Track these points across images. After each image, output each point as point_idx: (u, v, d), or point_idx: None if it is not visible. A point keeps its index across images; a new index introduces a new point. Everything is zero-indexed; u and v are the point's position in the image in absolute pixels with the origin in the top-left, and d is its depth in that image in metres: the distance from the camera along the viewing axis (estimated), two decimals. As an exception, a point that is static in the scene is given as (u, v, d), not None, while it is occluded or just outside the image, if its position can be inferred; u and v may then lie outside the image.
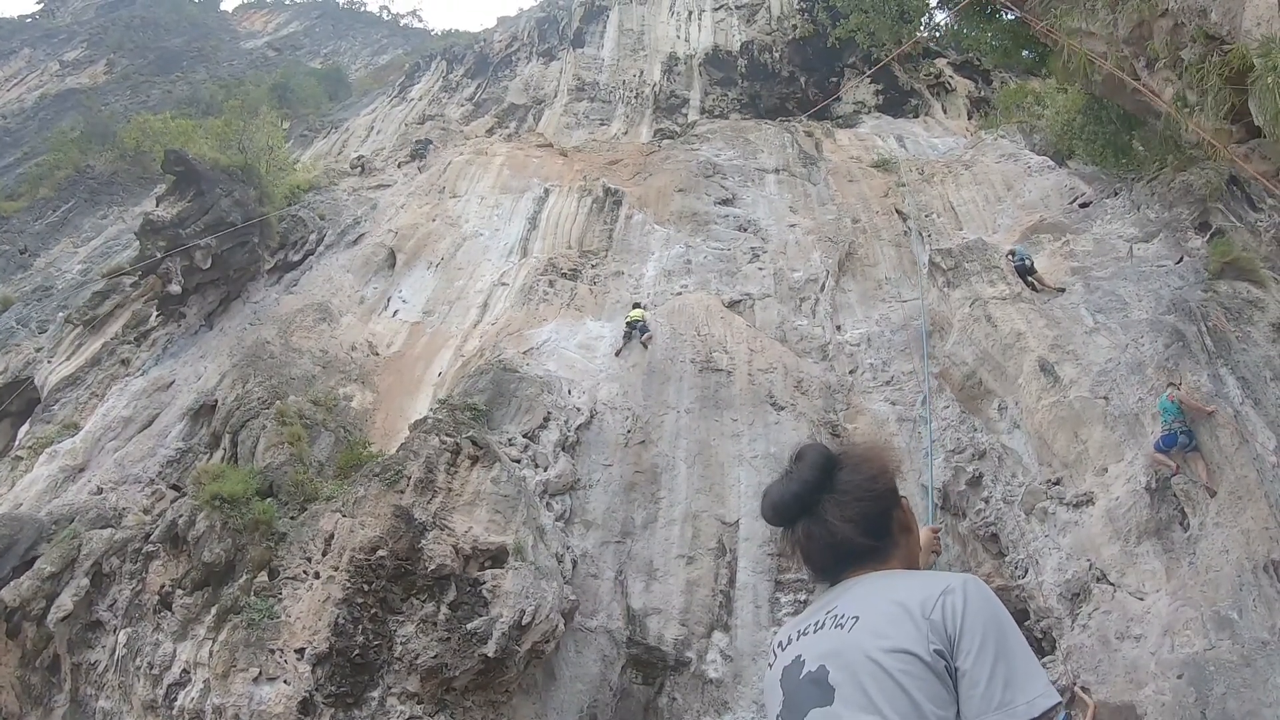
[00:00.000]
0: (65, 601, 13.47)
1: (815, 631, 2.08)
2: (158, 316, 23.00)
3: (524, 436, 16.40)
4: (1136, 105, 12.34)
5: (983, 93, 35.86)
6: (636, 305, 20.85)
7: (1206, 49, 8.32)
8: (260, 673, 11.57)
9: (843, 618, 2.03)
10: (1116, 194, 20.38)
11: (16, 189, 38.45)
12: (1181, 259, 16.44)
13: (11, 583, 13.65)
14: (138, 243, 23.30)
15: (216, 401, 19.15)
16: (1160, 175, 18.87)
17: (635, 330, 19.57)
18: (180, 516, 13.72)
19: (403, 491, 13.56)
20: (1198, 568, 11.02)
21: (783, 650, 2.15)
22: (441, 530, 13.19)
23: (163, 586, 13.33)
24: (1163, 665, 10.51)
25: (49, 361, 23.33)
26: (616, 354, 19.48)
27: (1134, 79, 10.37)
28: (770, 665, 2.18)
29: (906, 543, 2.27)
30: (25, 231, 34.15)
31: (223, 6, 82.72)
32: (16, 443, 20.82)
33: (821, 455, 2.26)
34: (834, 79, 37.72)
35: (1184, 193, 17.85)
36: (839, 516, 2.16)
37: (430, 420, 15.60)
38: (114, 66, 56.37)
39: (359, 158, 35.61)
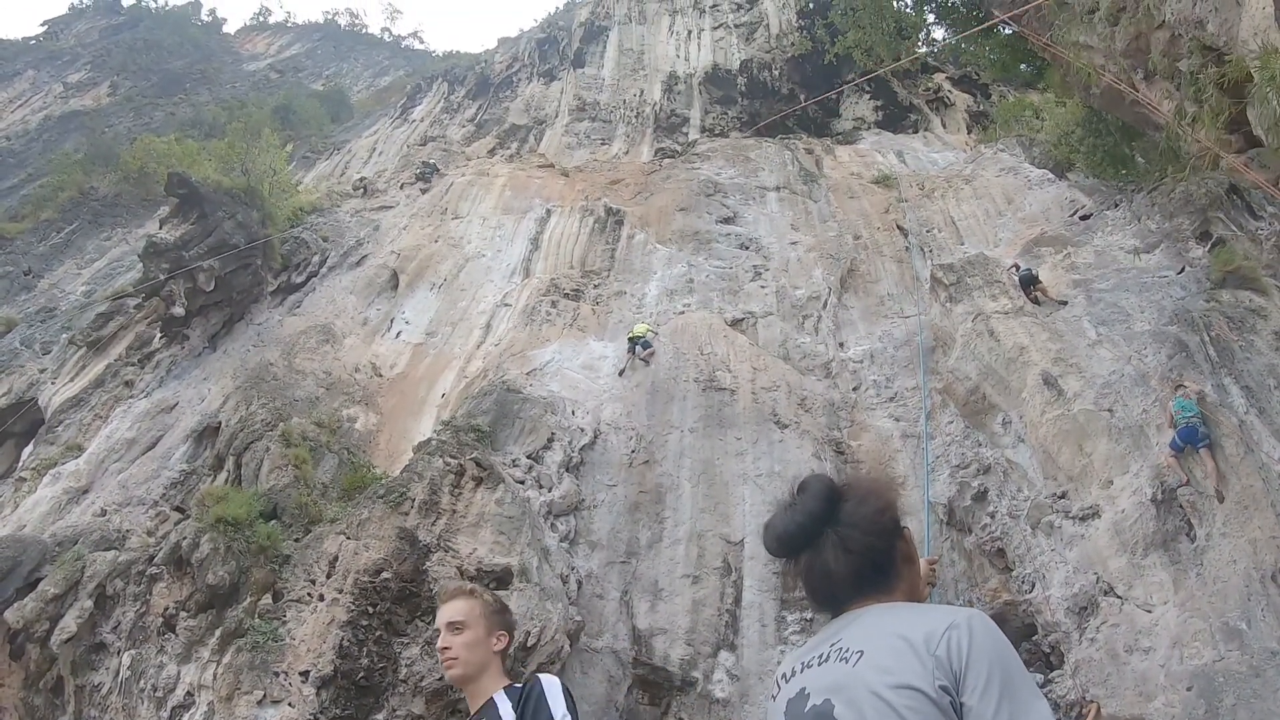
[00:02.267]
0: (69, 623, 13.42)
1: (819, 664, 2.07)
2: (161, 338, 23.04)
3: (528, 457, 16.37)
4: (1135, 117, 12.39)
5: (981, 107, 36.04)
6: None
7: (1204, 60, 8.35)
8: (264, 695, 11.52)
9: (847, 651, 2.01)
10: (1117, 205, 20.40)
11: (20, 210, 38.62)
12: (1183, 269, 16.44)
13: (15, 604, 13.62)
14: (141, 265, 23.38)
15: (220, 423, 19.16)
16: (1160, 186, 18.87)
17: (637, 345, 19.55)
18: (184, 539, 13.69)
19: (407, 513, 13.52)
20: (1205, 579, 10.96)
21: (786, 682, 2.14)
22: (446, 552, 13.15)
23: (166, 609, 13.29)
24: (1172, 677, 10.44)
25: (52, 383, 23.35)
26: (620, 374, 19.47)
27: (1133, 91, 10.40)
28: (774, 697, 2.17)
29: (909, 574, 2.26)
30: (29, 253, 34.24)
31: (225, 29, 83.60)
32: (20, 464, 20.81)
33: (825, 487, 2.25)
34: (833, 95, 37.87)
35: (1184, 202, 17.84)
36: (844, 549, 2.15)
37: (434, 442, 15.57)
38: (117, 88, 56.79)
39: (361, 179, 35.77)
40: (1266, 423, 12.04)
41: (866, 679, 1.90)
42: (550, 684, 3.27)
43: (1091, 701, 11.19)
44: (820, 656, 2.08)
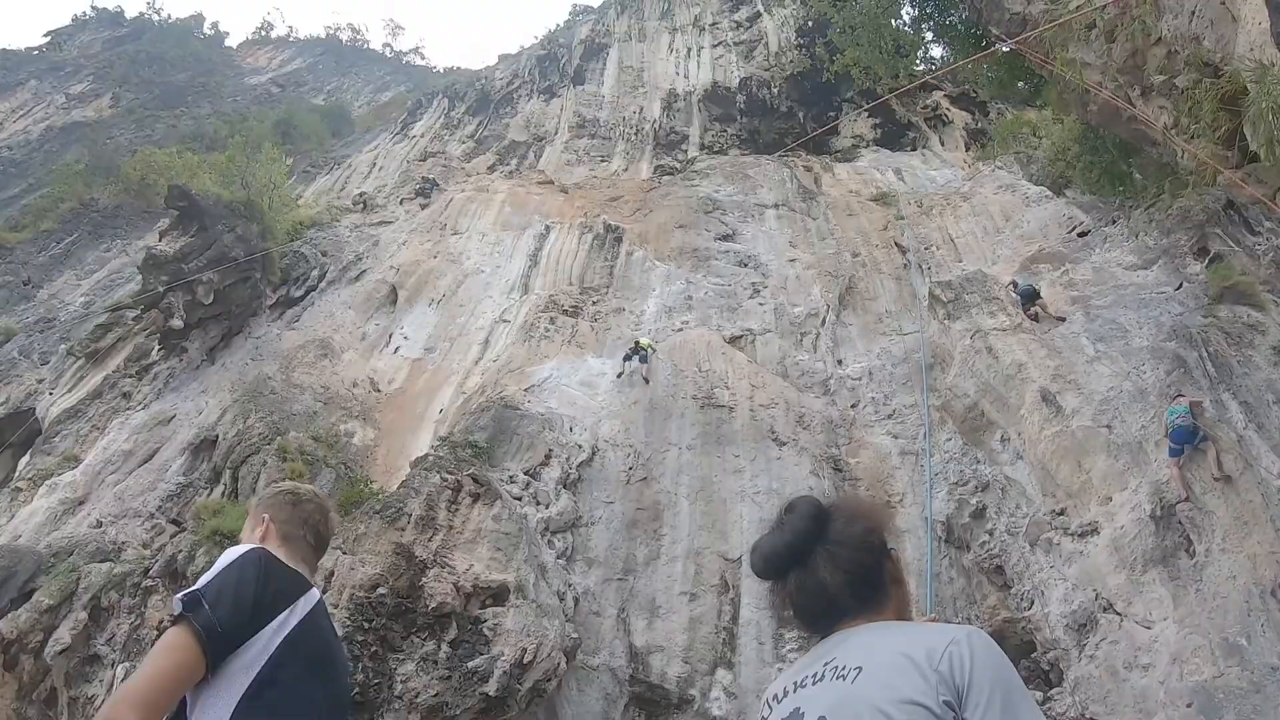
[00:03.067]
0: (63, 634, 13.37)
1: (814, 684, 2.04)
2: (159, 350, 23.04)
3: (525, 474, 16.32)
4: (1132, 133, 12.42)
5: (979, 124, 36.10)
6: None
7: (1200, 75, 8.39)
8: (258, 710, 11.43)
9: (844, 669, 1.99)
10: (1114, 222, 20.44)
11: (20, 220, 38.79)
12: (1181, 285, 16.45)
13: (9, 615, 13.57)
14: (140, 276, 23.41)
15: (217, 436, 19.12)
16: (1158, 202, 18.90)
17: (635, 355, 19.52)
18: (180, 552, 13.66)
19: (403, 529, 13.46)
20: (1205, 594, 10.91)
21: (778, 703, 2.10)
22: (442, 568, 13.08)
23: (161, 621, 13.22)
24: (1172, 694, 10.38)
25: (50, 393, 23.35)
26: (619, 375, 19.46)
27: (1129, 107, 10.44)
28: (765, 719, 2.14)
29: (898, 594, 2.25)
30: (29, 263, 34.35)
31: (228, 43, 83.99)
32: (17, 474, 20.78)
33: (814, 506, 2.25)
34: (832, 113, 38.02)
35: (1182, 218, 17.86)
36: (833, 567, 2.14)
37: (431, 457, 15.53)
38: (119, 100, 57.04)
39: (361, 194, 35.87)
40: (1265, 438, 12.04)
41: (869, 695, 1.87)
42: (230, 553, 2.62)
43: (1091, 719, 11.14)
44: (814, 676, 2.05)
